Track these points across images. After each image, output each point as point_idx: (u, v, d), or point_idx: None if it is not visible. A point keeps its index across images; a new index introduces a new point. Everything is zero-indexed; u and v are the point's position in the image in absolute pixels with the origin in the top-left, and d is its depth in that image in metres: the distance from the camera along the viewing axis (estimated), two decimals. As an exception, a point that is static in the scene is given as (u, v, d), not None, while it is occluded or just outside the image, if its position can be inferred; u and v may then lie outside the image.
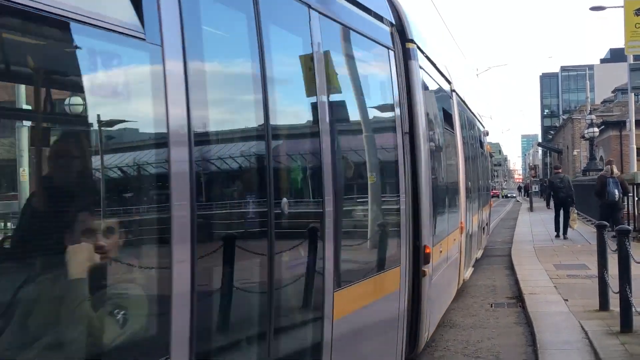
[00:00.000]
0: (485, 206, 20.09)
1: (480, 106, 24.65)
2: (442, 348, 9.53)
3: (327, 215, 4.85)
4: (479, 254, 17.56)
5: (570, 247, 20.17)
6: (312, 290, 4.83)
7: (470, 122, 16.05)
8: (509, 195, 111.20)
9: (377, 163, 6.61)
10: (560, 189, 22.92)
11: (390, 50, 6.75)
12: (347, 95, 5.83)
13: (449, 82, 11.73)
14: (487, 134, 23.53)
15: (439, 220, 8.63)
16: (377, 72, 6.78)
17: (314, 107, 4.94)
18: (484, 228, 18.81)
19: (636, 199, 20.76)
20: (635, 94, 28.72)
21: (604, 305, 10.65)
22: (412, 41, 7.41)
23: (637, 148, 28.01)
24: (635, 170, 24.40)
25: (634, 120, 28.05)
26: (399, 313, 6.69)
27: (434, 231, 7.88)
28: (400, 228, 6.76)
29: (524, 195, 79.60)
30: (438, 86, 10.00)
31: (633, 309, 8.91)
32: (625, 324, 9.09)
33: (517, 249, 20.51)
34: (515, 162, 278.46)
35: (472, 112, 17.08)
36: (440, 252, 8.64)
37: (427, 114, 7.98)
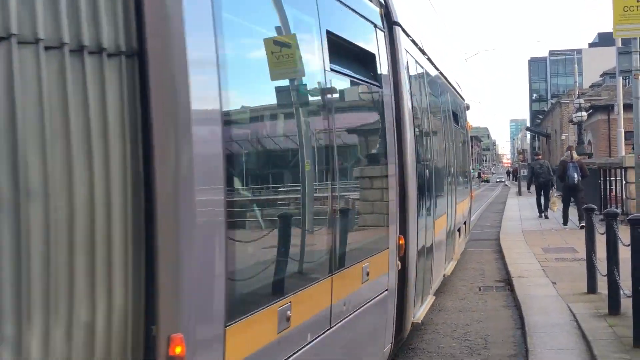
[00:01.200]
0: (463, 200, 15.26)
1: (460, 75, 20.17)
2: (431, 331, 9.56)
3: None
4: (449, 268, 12.63)
5: (559, 231, 20.26)
6: None
7: (435, 85, 11.34)
8: (497, 180, 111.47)
9: None
10: (540, 174, 24.60)
11: None
12: None
13: (382, 5, 7.41)
14: (468, 107, 19.23)
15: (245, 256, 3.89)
16: None
17: None
18: (459, 230, 14.26)
19: (624, 182, 20.87)
20: (623, 78, 28.73)
21: (592, 288, 10.70)
22: None
23: (625, 132, 28.10)
24: (624, 154, 24.47)
25: (622, 104, 28.11)
26: None
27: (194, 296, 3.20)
28: None
29: (513, 180, 79.81)
30: None
31: (621, 292, 8.95)
32: (613, 307, 9.14)
33: (505, 232, 20.61)
34: (504, 147, 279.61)
35: (442, 73, 12.55)
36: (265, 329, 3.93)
37: (228, 24, 3.66)
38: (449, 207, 11.85)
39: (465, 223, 16.08)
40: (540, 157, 27.62)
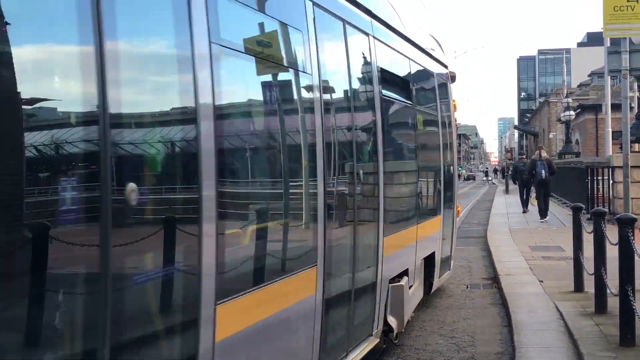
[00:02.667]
0: (417, 225, 9.08)
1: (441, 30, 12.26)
2: (418, 328, 9.55)
3: None
4: None
5: (546, 229, 20.33)
6: None
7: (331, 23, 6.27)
8: (484, 178, 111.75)
9: None
10: (523, 172, 26.71)
11: None
12: None
13: None
14: (453, 79, 12.36)
15: None
16: None
17: None
18: (407, 274, 8.57)
19: (611, 182, 20.95)
20: (611, 78, 28.90)
21: (578, 286, 10.72)
22: None
23: (612, 131, 28.24)
24: (611, 153, 24.58)
25: (609, 104, 28.21)
26: None
27: None
28: None
29: (501, 178, 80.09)
30: None
31: (608, 291, 8.97)
32: (600, 305, 9.16)
33: (492, 230, 20.64)
34: (492, 145, 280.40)
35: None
36: None
37: None
38: (360, 247, 6.68)
39: (432, 258, 10.14)
40: (524, 156, 32.07)
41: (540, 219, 22.69)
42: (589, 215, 13.15)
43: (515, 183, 29.04)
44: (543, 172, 22.60)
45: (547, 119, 73.40)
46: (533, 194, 25.85)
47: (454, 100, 12.38)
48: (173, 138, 4.01)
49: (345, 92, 6.69)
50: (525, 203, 26.82)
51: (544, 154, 23.99)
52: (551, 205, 26.62)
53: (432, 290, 10.63)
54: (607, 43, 21.79)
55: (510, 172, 54.20)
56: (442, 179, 10.98)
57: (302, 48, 5.44)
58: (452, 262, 12.08)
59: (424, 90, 10.45)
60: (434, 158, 10.76)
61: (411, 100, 9.15)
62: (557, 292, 10.81)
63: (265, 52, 5.09)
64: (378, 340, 7.37)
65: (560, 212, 25.61)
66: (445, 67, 12.06)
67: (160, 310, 3.65)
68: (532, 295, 10.78)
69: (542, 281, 11.80)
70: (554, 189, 31.10)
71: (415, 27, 10.05)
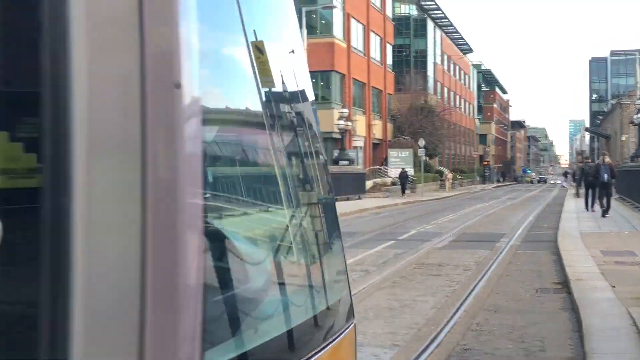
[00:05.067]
0: None
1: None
2: (487, 332, 9.52)
3: None
4: None
5: (618, 233, 19.98)
6: None
7: None
8: (552, 182, 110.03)
9: None
10: (589, 175, 29.53)
11: None
12: None
13: None
14: None
15: None
16: None
17: None
18: None
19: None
20: (687, 79, 28.25)
21: (652, 292, 10.59)
22: None
23: (686, 134, 27.76)
24: (686, 156, 24.10)
25: (684, 106, 27.62)
26: None
27: None
28: None
29: (572, 181, 78.76)
30: None
31: (682, 297, 8.83)
32: (674, 312, 9.04)
33: (563, 234, 20.37)
34: (562, 147, 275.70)
35: None
36: None
37: None
38: None
39: None
40: (589, 160, 35.41)
41: (602, 215, 25.82)
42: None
43: (580, 186, 32.33)
44: (605, 175, 25.86)
45: (619, 122, 71.90)
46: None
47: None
48: None
49: None
50: (591, 203, 29.15)
51: (607, 159, 27.44)
52: (623, 209, 29.24)
53: None
54: (683, 43, 21.31)
55: (578, 176, 53.77)
56: None
57: None
58: None
59: None
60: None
61: None
62: (629, 297, 10.65)
63: None
64: None
65: (632, 216, 25.22)
66: None
67: None
68: (603, 301, 10.63)
69: (614, 286, 11.63)
70: (626, 193, 33.41)
71: None
